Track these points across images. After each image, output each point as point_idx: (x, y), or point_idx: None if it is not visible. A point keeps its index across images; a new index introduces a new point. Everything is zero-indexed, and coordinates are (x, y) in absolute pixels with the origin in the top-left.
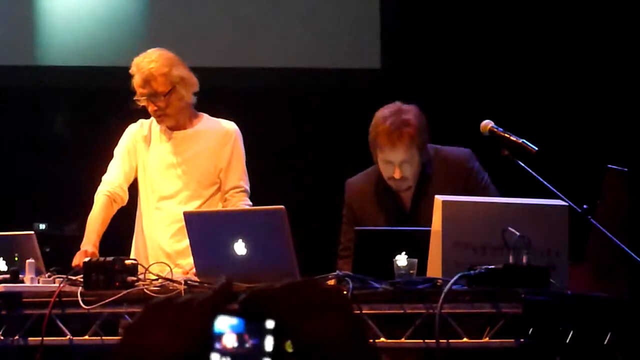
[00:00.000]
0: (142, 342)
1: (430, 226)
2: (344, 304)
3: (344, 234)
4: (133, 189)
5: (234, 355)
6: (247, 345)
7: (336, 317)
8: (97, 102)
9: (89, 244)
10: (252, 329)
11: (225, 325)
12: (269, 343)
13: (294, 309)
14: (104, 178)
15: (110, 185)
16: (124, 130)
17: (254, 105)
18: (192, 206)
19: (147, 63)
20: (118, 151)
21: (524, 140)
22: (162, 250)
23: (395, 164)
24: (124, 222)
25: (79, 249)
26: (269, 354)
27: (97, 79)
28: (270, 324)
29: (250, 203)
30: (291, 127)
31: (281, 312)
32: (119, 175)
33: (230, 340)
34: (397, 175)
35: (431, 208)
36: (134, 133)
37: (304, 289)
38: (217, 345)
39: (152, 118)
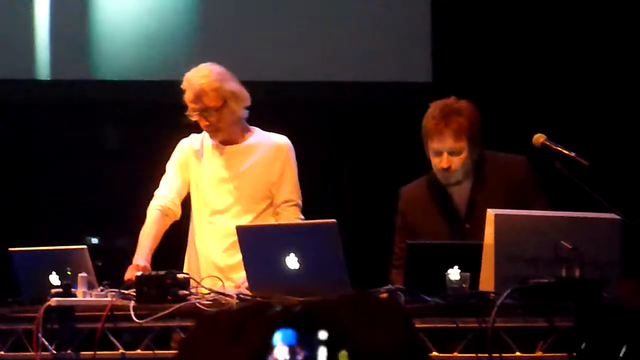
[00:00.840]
0: (198, 355)
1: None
2: (401, 316)
3: (397, 244)
4: (186, 203)
5: None
6: (299, 357)
7: (394, 328)
8: (150, 116)
9: (141, 258)
10: (304, 340)
11: (278, 338)
12: (322, 354)
13: (351, 320)
14: (156, 193)
15: (163, 200)
16: (176, 144)
17: (306, 118)
18: (245, 220)
19: (199, 78)
20: (170, 166)
21: (576, 154)
22: (215, 264)
23: (443, 152)
24: (177, 235)
25: (130, 262)
26: None
27: (149, 93)
28: (323, 335)
29: (303, 217)
30: (343, 141)
31: (338, 323)
32: (171, 189)
33: (282, 353)
34: (444, 164)
35: (485, 210)
36: (186, 148)
37: (361, 301)
38: (270, 358)
39: (204, 132)
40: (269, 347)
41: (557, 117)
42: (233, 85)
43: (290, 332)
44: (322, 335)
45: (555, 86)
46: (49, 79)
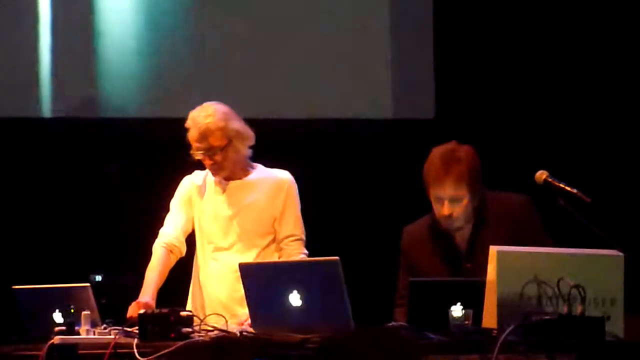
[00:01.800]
0: None
1: (486, 268)
2: (417, 352)
3: (400, 281)
4: (191, 239)
5: None
6: None
7: None
8: (153, 153)
9: (146, 295)
10: None
11: None
12: None
13: (372, 355)
14: (161, 231)
15: (167, 237)
16: (179, 181)
17: (309, 155)
18: (248, 256)
19: (204, 117)
20: (174, 203)
21: (579, 190)
22: (219, 300)
23: (444, 200)
24: (181, 272)
25: (135, 299)
26: None
27: (153, 130)
28: None
29: (306, 252)
30: (345, 177)
31: (360, 355)
32: (176, 227)
33: None
34: (445, 211)
35: (487, 250)
36: (189, 185)
37: (381, 337)
38: None
39: (206, 170)
40: None
41: (560, 154)
42: (238, 124)
43: None
44: None
45: (558, 123)
46: (52, 116)
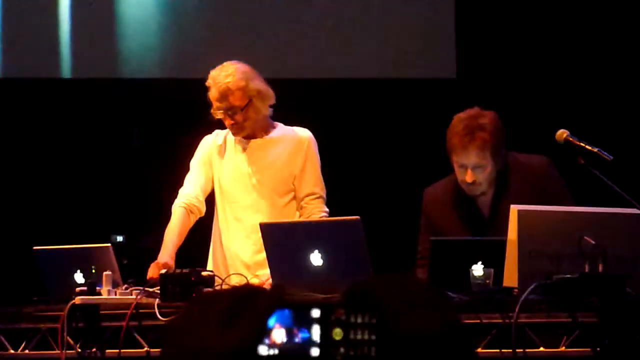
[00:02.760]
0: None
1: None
2: (447, 303)
3: (421, 243)
4: (211, 199)
5: (282, 348)
6: (297, 339)
7: (440, 314)
8: (173, 114)
9: (165, 255)
10: (300, 320)
11: (273, 320)
12: (315, 332)
13: (397, 301)
14: (180, 191)
15: (187, 197)
16: (199, 142)
17: (330, 115)
18: (269, 215)
19: (224, 77)
20: (194, 163)
21: (600, 149)
22: (241, 260)
23: (468, 167)
24: (202, 232)
25: (156, 260)
26: (317, 344)
27: (173, 90)
28: (316, 312)
29: (327, 210)
30: (367, 137)
31: (384, 303)
32: (195, 187)
33: (279, 336)
34: (468, 179)
35: (509, 214)
36: (209, 144)
37: (407, 284)
38: (266, 341)
39: (227, 129)
40: (265, 330)
41: (581, 112)
42: (258, 83)
43: (286, 313)
44: (315, 313)
45: (579, 81)
46: (73, 77)
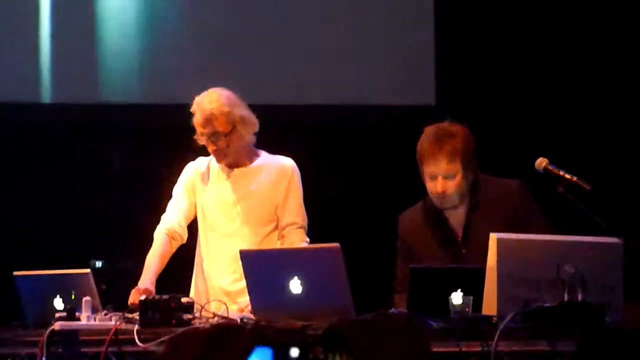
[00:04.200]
0: None
1: (482, 252)
2: (421, 339)
3: (398, 268)
4: (194, 226)
5: None
6: None
7: (415, 353)
8: (155, 139)
9: (147, 281)
10: (279, 358)
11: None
12: None
13: (373, 341)
14: (163, 217)
15: (169, 224)
16: (181, 167)
17: (308, 141)
18: (251, 243)
19: (209, 103)
20: (177, 189)
21: (579, 178)
22: (222, 288)
23: (438, 176)
24: (185, 259)
25: (135, 286)
26: None
27: (154, 116)
28: (294, 352)
29: (307, 239)
30: (346, 164)
31: (360, 344)
32: (177, 213)
33: None
34: (439, 187)
35: (482, 234)
36: (193, 171)
37: (382, 323)
38: None
39: (210, 156)
40: None
41: (561, 140)
42: (242, 110)
43: (266, 352)
44: (294, 352)
45: (559, 110)
46: (53, 102)
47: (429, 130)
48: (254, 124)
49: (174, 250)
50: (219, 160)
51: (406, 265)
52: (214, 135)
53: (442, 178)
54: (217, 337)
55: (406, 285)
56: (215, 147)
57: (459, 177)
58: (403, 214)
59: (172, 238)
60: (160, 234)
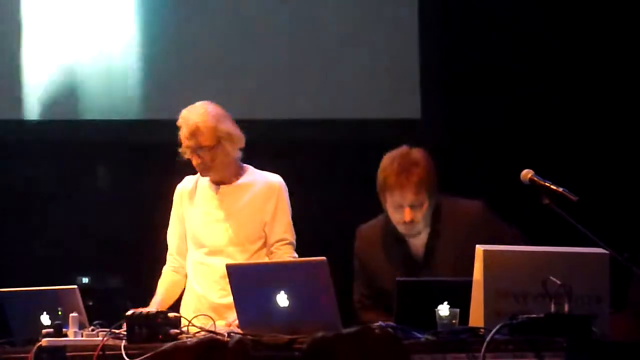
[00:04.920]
0: None
1: (443, 276)
2: (401, 351)
3: (356, 287)
4: None
5: None
6: None
7: None
8: (140, 156)
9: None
10: None
11: None
12: None
13: (357, 354)
14: (168, 252)
15: (169, 259)
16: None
17: (295, 156)
18: (239, 260)
19: (195, 116)
20: (172, 218)
21: (565, 189)
22: (210, 304)
23: (405, 206)
24: None
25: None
26: None
27: (139, 132)
28: None
29: (296, 255)
30: (332, 178)
31: (343, 358)
32: (172, 248)
33: None
34: (407, 217)
35: (444, 260)
36: (180, 193)
37: (363, 337)
38: None
39: (197, 174)
40: None
41: (547, 152)
42: (229, 125)
43: None
44: None
45: (544, 121)
46: (38, 119)
47: (391, 159)
48: (240, 139)
49: (183, 279)
50: (203, 174)
51: (364, 286)
52: (199, 149)
53: (410, 208)
54: (201, 353)
55: (368, 300)
56: (199, 161)
57: (425, 206)
58: (362, 227)
59: (176, 272)
60: (167, 272)
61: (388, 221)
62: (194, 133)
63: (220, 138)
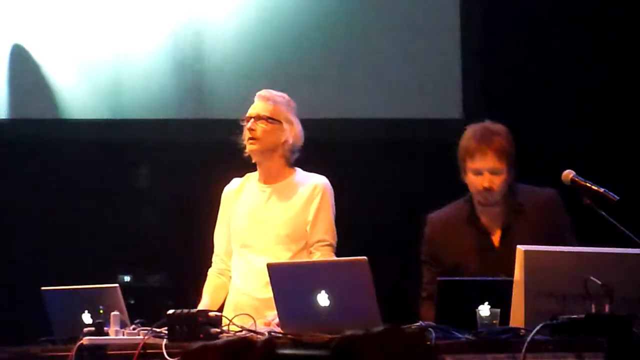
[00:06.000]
0: None
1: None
2: (428, 352)
3: (425, 274)
4: None
5: None
6: None
7: None
8: (179, 155)
9: None
10: None
11: None
12: None
13: (382, 355)
14: (214, 254)
15: (215, 262)
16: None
17: (336, 156)
18: (283, 259)
19: (276, 94)
20: (219, 220)
21: (606, 190)
22: (253, 300)
23: (485, 171)
24: None
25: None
26: None
27: (181, 132)
28: None
29: (335, 257)
30: (375, 178)
31: (370, 357)
32: (219, 249)
33: None
34: (486, 182)
35: (523, 240)
36: (227, 194)
37: (391, 336)
38: None
39: (245, 175)
40: None
41: (589, 152)
42: (295, 120)
43: None
44: None
45: (587, 121)
46: (75, 118)
47: (474, 128)
48: (300, 136)
49: (226, 285)
50: (249, 142)
51: (432, 272)
52: (258, 118)
53: (489, 173)
54: (230, 353)
55: (432, 291)
56: (253, 128)
57: (504, 175)
58: (433, 214)
59: (221, 274)
60: (210, 273)
61: (461, 205)
62: (264, 101)
63: (282, 119)
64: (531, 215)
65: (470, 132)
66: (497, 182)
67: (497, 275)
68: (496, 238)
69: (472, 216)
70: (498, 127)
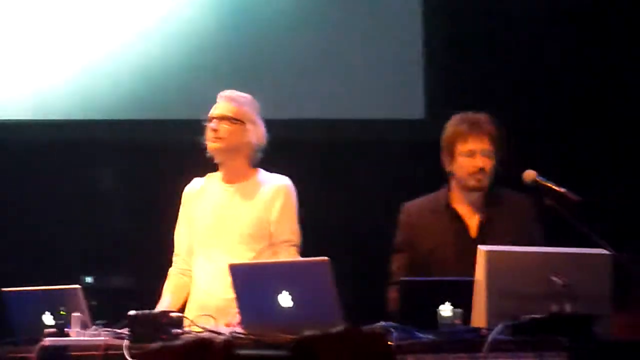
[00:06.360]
0: None
1: None
2: (387, 351)
3: (396, 260)
4: None
5: None
6: None
7: None
8: (144, 156)
9: None
10: None
11: None
12: None
13: (341, 355)
14: (174, 254)
15: (176, 261)
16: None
17: (297, 156)
18: (244, 259)
19: (239, 95)
20: (179, 219)
21: (567, 190)
22: (219, 302)
23: (477, 152)
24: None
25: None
26: None
27: (143, 132)
28: None
29: (300, 257)
30: (334, 178)
31: (329, 357)
32: (180, 248)
33: None
34: (479, 163)
35: (499, 233)
36: (188, 195)
37: (350, 336)
38: None
39: (207, 175)
40: None
41: (551, 153)
42: (259, 121)
43: None
44: None
45: (547, 122)
46: (47, 119)
47: (461, 115)
48: (262, 137)
49: (187, 284)
50: (212, 141)
51: (405, 257)
52: (221, 118)
53: (481, 155)
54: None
55: (403, 274)
56: (216, 130)
57: (493, 160)
58: (409, 203)
59: (183, 274)
60: (170, 272)
61: (437, 196)
62: (228, 102)
63: (246, 120)
64: (509, 210)
65: (459, 118)
66: (488, 164)
67: (473, 265)
68: (473, 228)
69: (449, 205)
70: (485, 116)
